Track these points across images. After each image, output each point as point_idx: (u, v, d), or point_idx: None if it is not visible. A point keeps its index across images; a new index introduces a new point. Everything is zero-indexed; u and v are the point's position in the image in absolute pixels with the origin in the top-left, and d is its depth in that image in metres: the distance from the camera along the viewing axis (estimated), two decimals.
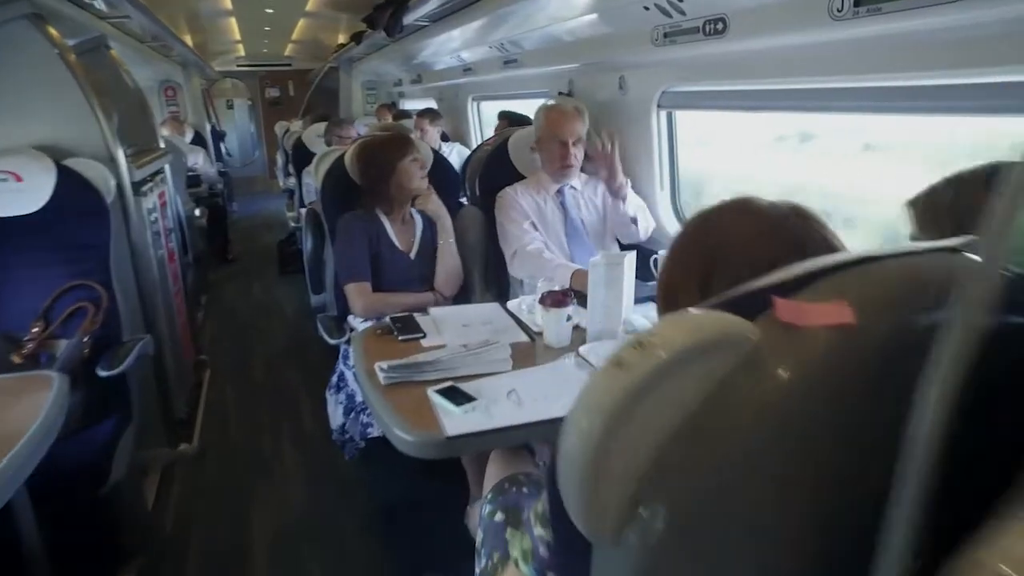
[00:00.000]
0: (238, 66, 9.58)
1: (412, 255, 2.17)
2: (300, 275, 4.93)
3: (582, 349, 1.50)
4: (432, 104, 5.25)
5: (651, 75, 2.29)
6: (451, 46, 3.86)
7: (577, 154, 2.28)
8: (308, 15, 5.86)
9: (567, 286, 2.02)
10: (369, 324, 2.06)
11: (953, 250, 0.54)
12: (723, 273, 0.66)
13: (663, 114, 2.34)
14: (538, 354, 1.55)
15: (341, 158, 2.26)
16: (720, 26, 1.75)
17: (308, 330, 3.70)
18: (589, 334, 1.58)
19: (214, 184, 5.97)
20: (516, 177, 2.46)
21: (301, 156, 4.34)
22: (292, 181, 5.37)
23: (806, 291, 0.51)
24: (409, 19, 3.24)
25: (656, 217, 2.45)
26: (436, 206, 2.16)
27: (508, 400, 1.27)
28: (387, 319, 1.73)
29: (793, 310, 0.48)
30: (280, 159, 6.38)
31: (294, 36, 7.17)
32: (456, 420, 1.20)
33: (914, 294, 0.51)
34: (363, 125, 5.26)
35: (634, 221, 2.24)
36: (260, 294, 4.89)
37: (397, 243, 2.16)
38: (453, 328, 1.69)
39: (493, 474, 1.21)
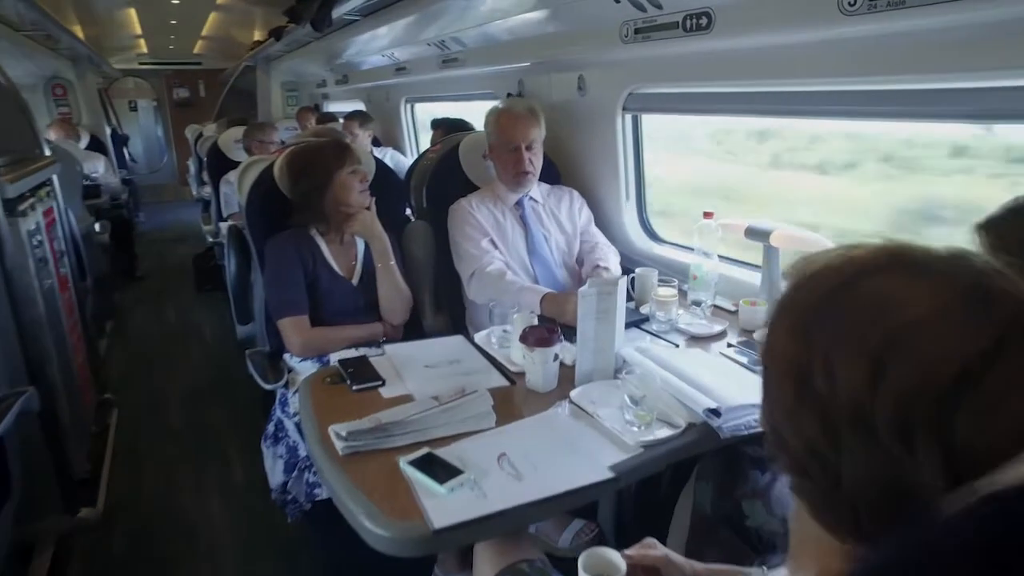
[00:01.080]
0: (141, 64, 8.79)
1: (354, 280, 1.89)
2: (220, 293, 4.48)
3: (574, 395, 1.29)
4: (360, 106, 4.92)
5: (616, 75, 2.11)
6: (382, 43, 3.56)
7: (534, 160, 2.07)
8: (220, 8, 5.37)
9: (536, 312, 1.82)
10: (309, 363, 1.77)
11: None
12: (895, 386, 0.42)
13: (628, 118, 2.17)
14: (521, 400, 1.33)
15: (269, 169, 1.95)
16: (704, 21, 1.59)
17: (233, 358, 3.31)
18: (579, 373, 1.37)
19: (117, 194, 5.36)
20: (468, 187, 2.22)
21: (217, 163, 3.91)
22: (207, 191, 4.88)
23: None
24: (339, 12, 2.93)
25: (621, 231, 2.28)
26: (364, 226, 1.86)
27: (501, 470, 1.04)
28: (335, 362, 1.46)
29: None
30: (193, 166, 5.83)
31: (204, 32, 6.60)
32: (442, 505, 0.96)
33: None
34: (286, 129, 4.87)
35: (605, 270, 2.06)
36: (175, 317, 4.39)
37: (336, 267, 1.87)
38: (416, 371, 1.44)
39: (486, 570, 0.98)
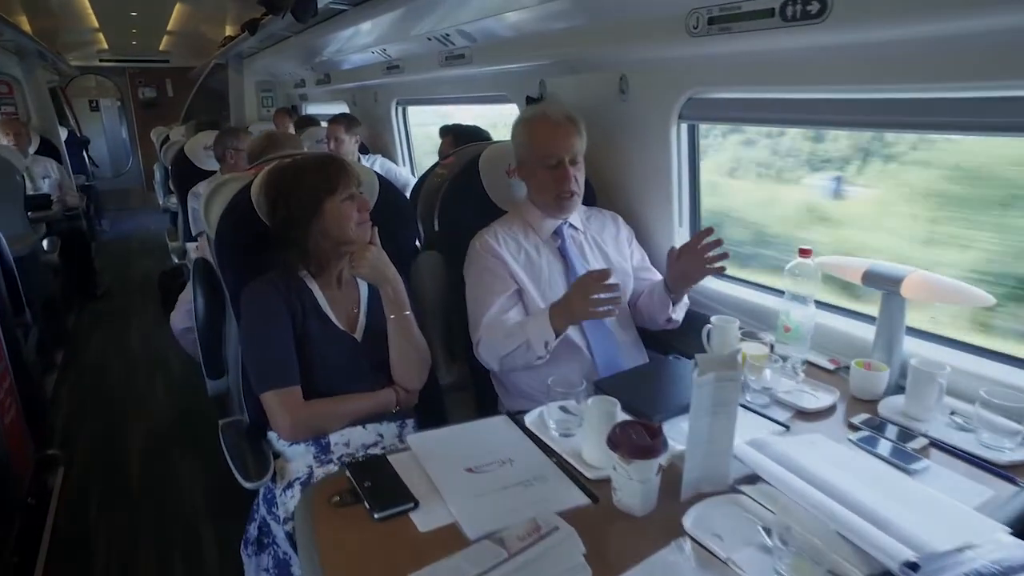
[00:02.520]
0: (102, 61, 8.18)
1: (357, 335, 1.48)
2: None
3: (690, 525, 0.92)
4: (344, 108, 4.50)
5: (671, 75, 1.75)
6: (372, 38, 3.15)
7: (579, 178, 1.70)
8: (186, 1, 4.88)
9: (550, 340, 1.47)
10: (303, 448, 1.37)
11: None
12: None
13: (684, 128, 1.81)
14: (610, 527, 0.95)
15: (245, 191, 1.53)
16: (815, 7, 1.23)
17: (206, 396, 2.88)
18: (685, 483, 1.00)
19: (71, 203, 4.84)
20: (490, 211, 1.84)
21: (185, 173, 3.46)
22: (174, 201, 4.42)
23: None
24: (325, 1, 2.52)
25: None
26: (371, 268, 1.45)
27: None
28: (346, 471, 1.06)
29: None
30: (159, 173, 5.33)
31: (170, 26, 6.08)
32: None
33: None
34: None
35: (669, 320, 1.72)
36: (138, 344, 3.91)
37: (334, 318, 1.46)
38: (457, 480, 1.05)
39: None
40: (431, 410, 1.63)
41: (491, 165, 1.87)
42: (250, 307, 1.40)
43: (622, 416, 1.09)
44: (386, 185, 1.71)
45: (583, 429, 1.12)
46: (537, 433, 1.20)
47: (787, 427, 1.23)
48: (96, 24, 5.85)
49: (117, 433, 2.81)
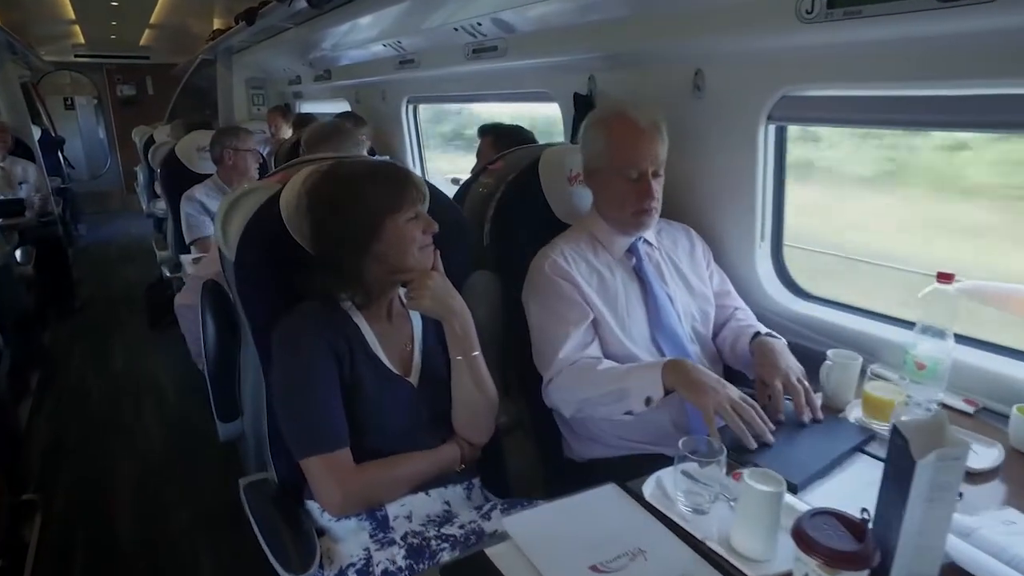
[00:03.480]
0: (77, 56, 7.77)
1: (413, 378, 1.23)
2: (177, 328, 3.71)
3: None
4: (345, 106, 4.22)
5: (762, 70, 1.52)
6: (380, 30, 2.90)
7: (659, 191, 1.46)
8: None
9: (654, 397, 1.25)
10: (354, 523, 1.11)
11: None
12: None
13: (772, 130, 1.58)
14: None
15: (273, 204, 1.27)
16: None
17: (201, 422, 2.59)
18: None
19: (46, 209, 4.49)
20: (551, 224, 1.60)
21: (175, 176, 3.16)
22: (161, 207, 4.10)
23: None
24: None
25: (751, 283, 1.69)
26: (435, 300, 1.20)
27: None
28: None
29: None
30: (142, 175, 4.98)
31: (153, 19, 5.73)
32: None
33: None
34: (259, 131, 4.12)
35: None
36: (123, 363, 3.58)
37: (385, 360, 1.20)
38: None
39: None
40: (491, 461, 1.38)
41: (552, 171, 1.63)
42: (286, 350, 1.14)
43: (791, 499, 0.85)
44: (436, 195, 1.46)
45: (736, 511, 0.88)
46: (661, 508, 0.96)
47: (960, 495, 1.00)
48: (72, 15, 5.49)
49: (103, 475, 2.50)
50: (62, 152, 6.99)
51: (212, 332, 1.57)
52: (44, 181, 4.78)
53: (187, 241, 2.87)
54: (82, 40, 6.93)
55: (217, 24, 5.03)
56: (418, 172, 3.53)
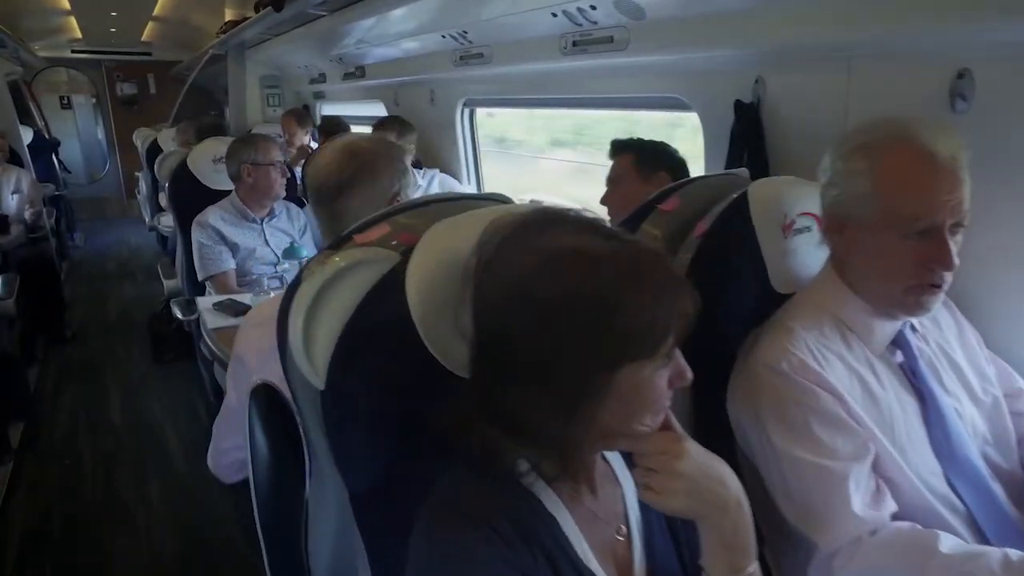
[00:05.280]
0: (74, 52, 7.22)
1: None
2: (186, 364, 3.18)
3: None
4: (379, 109, 3.68)
5: None
6: (439, 14, 2.36)
7: (956, 254, 0.93)
8: None
9: None
10: None
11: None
12: None
13: None
14: None
15: (390, 287, 0.72)
16: None
17: (221, 495, 2.08)
18: None
19: (36, 222, 3.96)
20: (767, 296, 1.07)
21: (187, 193, 2.61)
22: (166, 222, 3.57)
23: None
24: None
25: None
26: (700, 499, 0.67)
27: None
28: None
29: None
30: (144, 183, 4.45)
31: (157, 11, 5.18)
32: None
33: None
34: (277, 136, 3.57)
35: None
36: (122, 412, 3.00)
37: (596, 566, 0.67)
38: None
39: None
40: None
41: (766, 217, 1.09)
42: (442, 565, 0.61)
43: None
44: None
45: None
46: None
47: None
48: (68, 6, 4.95)
49: (95, 572, 1.96)
50: (57, 155, 6.44)
51: (266, 448, 1.03)
52: (37, 193, 4.24)
53: (200, 277, 2.33)
54: (79, 34, 6.40)
55: (229, 15, 4.49)
56: (471, 183, 3.01)
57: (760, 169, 1.49)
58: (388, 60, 3.23)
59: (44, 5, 4.88)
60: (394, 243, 0.78)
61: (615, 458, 0.77)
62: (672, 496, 0.65)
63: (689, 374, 0.67)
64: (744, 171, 1.37)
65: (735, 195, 1.12)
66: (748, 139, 1.49)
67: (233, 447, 1.24)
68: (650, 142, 1.56)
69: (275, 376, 0.99)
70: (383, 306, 0.71)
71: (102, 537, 2.12)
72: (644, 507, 0.75)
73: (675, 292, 0.63)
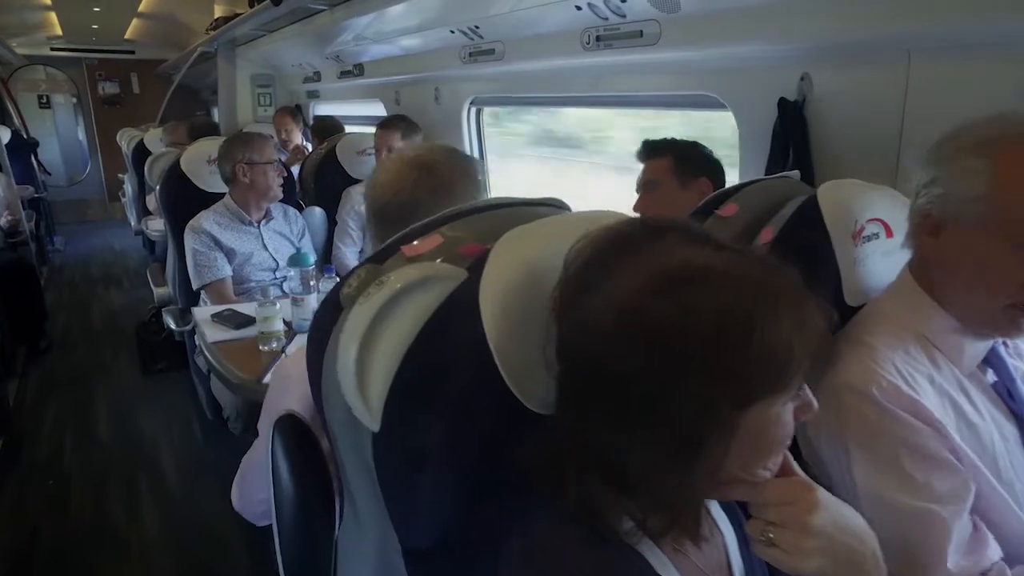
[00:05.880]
0: (54, 49, 6.99)
1: None
2: (178, 376, 3.02)
3: None
4: (379, 108, 3.55)
5: None
6: (446, 8, 2.26)
7: None
8: None
9: None
10: None
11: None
12: None
13: None
14: None
15: (455, 310, 0.61)
16: None
17: (219, 518, 1.95)
18: None
19: (14, 226, 3.78)
20: (840, 311, 0.97)
21: (181, 196, 2.47)
22: (155, 226, 3.41)
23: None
24: None
25: None
26: (837, 557, 0.57)
27: None
28: None
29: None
30: (129, 186, 4.28)
31: (142, 7, 5.00)
32: None
33: None
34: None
35: None
36: (111, 428, 2.84)
37: None
38: None
39: None
40: None
41: (840, 224, 0.99)
42: None
43: None
44: None
45: None
46: None
47: None
48: (48, 1, 4.75)
49: None
50: (36, 157, 6.22)
51: (291, 502, 0.92)
52: (15, 195, 4.05)
53: (195, 286, 2.19)
54: (59, 31, 6.18)
55: (219, 12, 4.33)
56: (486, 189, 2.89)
57: (805, 172, 1.41)
58: (389, 57, 3.11)
59: (20, 1, 4.69)
60: (456, 256, 0.67)
61: (725, 521, 0.67)
62: (805, 557, 0.55)
63: (815, 404, 0.57)
64: (795, 173, 1.28)
65: (802, 199, 1.03)
66: (793, 139, 1.41)
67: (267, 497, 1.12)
68: (685, 143, 1.45)
69: (300, 404, 0.88)
70: (451, 332, 0.60)
71: (92, 565, 1.98)
72: (747, 555, 0.65)
73: (812, 314, 0.53)
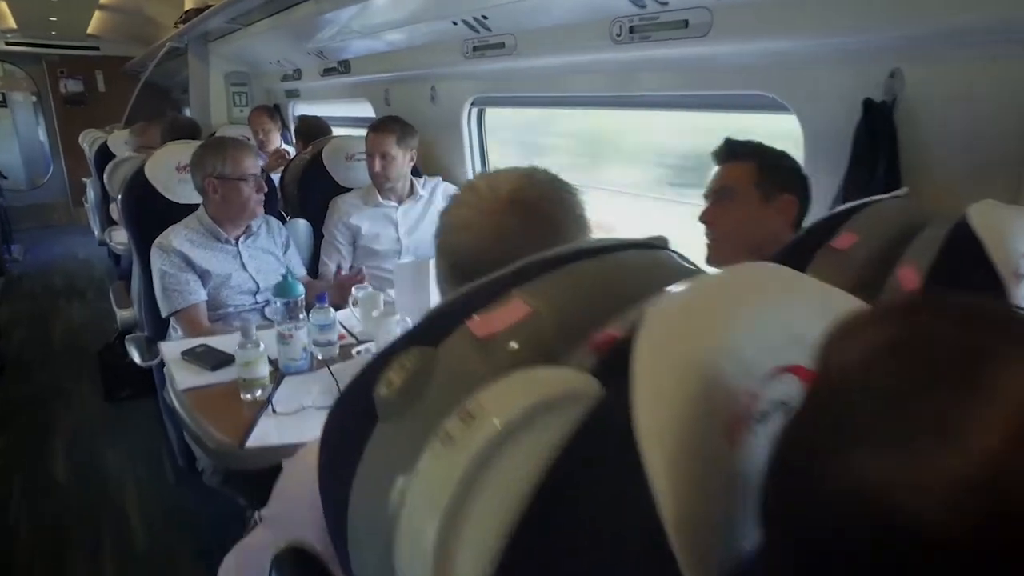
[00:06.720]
0: (8, 43, 6.56)
1: None
2: (144, 402, 2.72)
3: None
4: (367, 108, 3.28)
5: None
6: (450, 2, 2.01)
7: None
8: None
9: None
10: None
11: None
12: None
13: None
14: None
15: (601, 423, 0.37)
16: None
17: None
18: None
19: None
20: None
21: (147, 208, 2.17)
22: (119, 239, 3.10)
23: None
24: None
25: None
26: None
27: None
28: None
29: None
30: (92, 192, 3.94)
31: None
32: None
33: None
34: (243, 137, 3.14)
35: None
36: (70, 467, 2.51)
37: None
38: None
39: None
40: None
41: (1003, 260, 0.77)
42: None
43: None
44: None
45: None
46: None
47: None
48: None
49: None
50: None
51: None
52: None
53: (164, 313, 1.90)
54: (13, 23, 5.76)
55: (189, 3, 4.01)
56: None
57: (891, 186, 1.19)
58: (378, 53, 2.84)
59: None
60: (561, 342, 0.43)
61: None
62: None
63: None
64: (904, 191, 1.06)
65: (944, 228, 0.81)
66: (882, 148, 1.19)
67: None
68: (774, 150, 1.21)
69: (312, 533, 0.62)
70: (586, 492, 0.36)
71: None
72: None
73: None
